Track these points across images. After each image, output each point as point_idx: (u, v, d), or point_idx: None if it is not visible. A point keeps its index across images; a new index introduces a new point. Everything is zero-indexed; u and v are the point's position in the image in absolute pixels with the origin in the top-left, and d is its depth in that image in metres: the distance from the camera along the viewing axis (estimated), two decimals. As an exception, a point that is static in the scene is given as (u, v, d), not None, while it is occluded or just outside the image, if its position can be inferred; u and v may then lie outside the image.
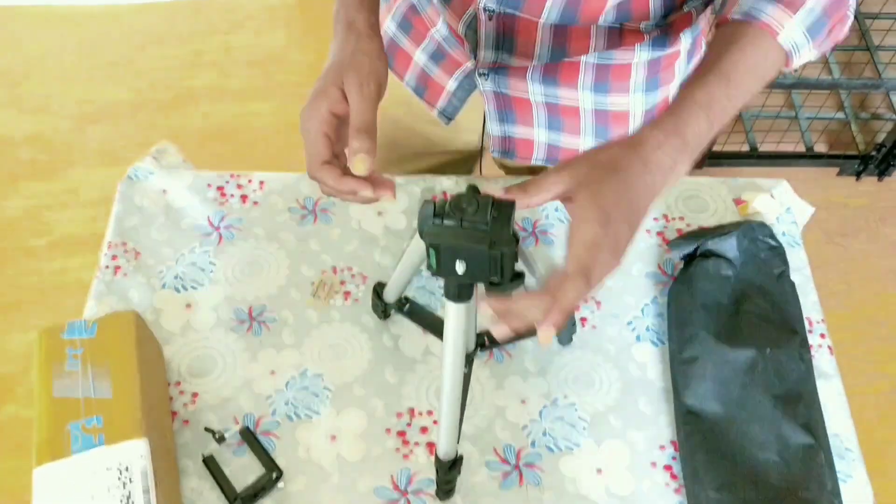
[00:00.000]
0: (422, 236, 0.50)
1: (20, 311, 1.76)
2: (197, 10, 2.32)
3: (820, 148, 2.03)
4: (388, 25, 0.90)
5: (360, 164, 0.57)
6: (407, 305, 0.78)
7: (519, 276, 0.53)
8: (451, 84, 0.86)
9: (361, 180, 0.58)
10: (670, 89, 0.84)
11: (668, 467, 0.73)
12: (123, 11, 2.32)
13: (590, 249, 0.51)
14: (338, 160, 0.61)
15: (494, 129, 0.88)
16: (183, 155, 0.92)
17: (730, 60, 0.59)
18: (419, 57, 0.87)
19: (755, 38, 0.61)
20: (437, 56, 0.85)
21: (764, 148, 1.97)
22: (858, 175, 2.01)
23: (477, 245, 0.48)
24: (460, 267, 0.49)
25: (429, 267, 0.51)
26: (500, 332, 0.51)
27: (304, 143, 0.61)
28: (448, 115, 0.89)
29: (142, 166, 0.89)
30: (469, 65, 0.82)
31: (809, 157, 1.99)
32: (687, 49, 0.82)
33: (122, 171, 0.89)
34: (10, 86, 2.15)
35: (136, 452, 0.62)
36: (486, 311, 0.51)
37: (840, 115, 2.07)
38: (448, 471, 0.66)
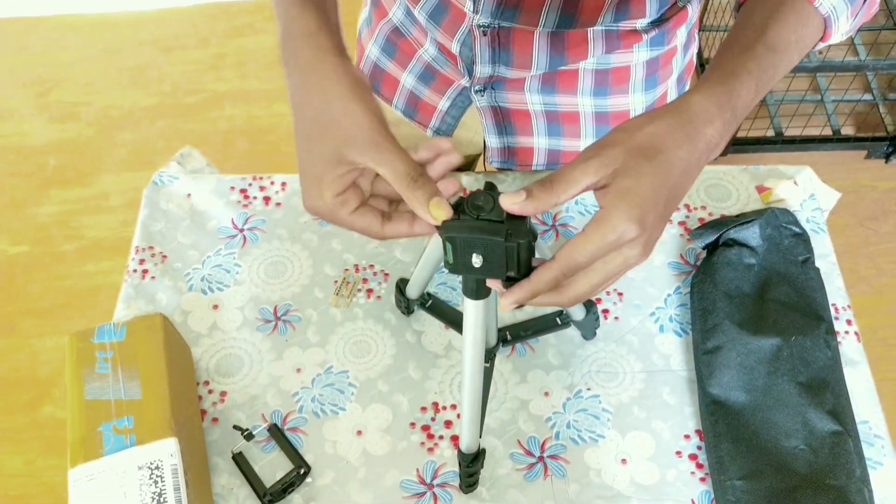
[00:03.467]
0: (439, 232, 0.51)
1: (54, 315, 1.81)
2: (217, 14, 2.35)
3: (847, 131, 2.00)
4: (371, 50, 0.89)
5: (438, 211, 0.50)
6: (430, 301, 0.79)
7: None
8: (443, 103, 0.85)
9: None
10: (668, 85, 0.83)
11: (693, 456, 0.73)
12: (146, 18, 2.36)
13: (618, 247, 0.48)
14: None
15: (493, 141, 0.87)
16: (207, 158, 0.94)
17: (775, 30, 0.55)
18: (406, 79, 0.86)
19: (794, 7, 0.57)
20: (427, 77, 0.84)
21: (789, 132, 1.95)
22: (888, 157, 1.97)
23: (493, 237, 0.48)
24: (477, 261, 0.49)
25: (446, 264, 0.51)
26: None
27: (341, 226, 0.55)
28: (443, 134, 0.88)
29: (167, 171, 0.90)
30: (463, 82, 0.81)
31: (836, 140, 1.96)
32: (682, 43, 0.81)
33: (149, 175, 0.90)
34: (38, 95, 2.20)
35: (166, 451, 0.63)
36: (504, 304, 0.51)
37: (867, 96, 2.03)
38: (471, 464, 0.67)
